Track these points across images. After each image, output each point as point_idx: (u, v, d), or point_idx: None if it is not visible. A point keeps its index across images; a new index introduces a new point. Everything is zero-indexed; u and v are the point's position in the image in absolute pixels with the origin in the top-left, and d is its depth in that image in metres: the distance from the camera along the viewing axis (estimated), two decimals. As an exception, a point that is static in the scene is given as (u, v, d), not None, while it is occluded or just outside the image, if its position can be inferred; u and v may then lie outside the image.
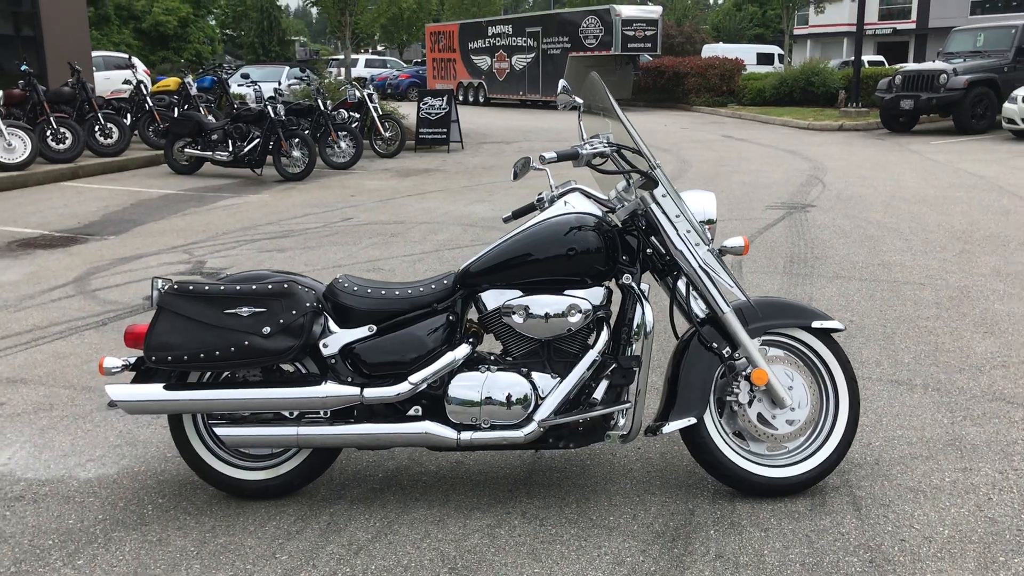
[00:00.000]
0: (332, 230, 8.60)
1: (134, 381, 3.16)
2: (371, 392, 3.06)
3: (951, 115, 16.08)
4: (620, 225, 3.22)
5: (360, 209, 9.83)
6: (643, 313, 3.07)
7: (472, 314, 3.28)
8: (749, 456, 3.20)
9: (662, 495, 3.25)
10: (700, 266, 3.13)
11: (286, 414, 3.15)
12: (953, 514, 3.05)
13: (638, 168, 3.13)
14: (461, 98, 30.82)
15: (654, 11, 27.13)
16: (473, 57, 31.72)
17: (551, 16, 29.71)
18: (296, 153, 12.22)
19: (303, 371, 3.19)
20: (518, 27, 29.68)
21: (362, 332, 3.12)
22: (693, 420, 3.11)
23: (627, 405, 3.09)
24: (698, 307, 3.23)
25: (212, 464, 3.23)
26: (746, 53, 32.82)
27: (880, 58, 39.88)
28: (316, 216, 9.44)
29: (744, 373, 3.15)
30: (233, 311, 3.01)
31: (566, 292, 3.12)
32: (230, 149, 12.41)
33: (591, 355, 3.11)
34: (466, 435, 3.08)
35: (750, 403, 3.19)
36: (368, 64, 40.65)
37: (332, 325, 3.12)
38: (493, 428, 3.09)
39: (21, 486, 3.41)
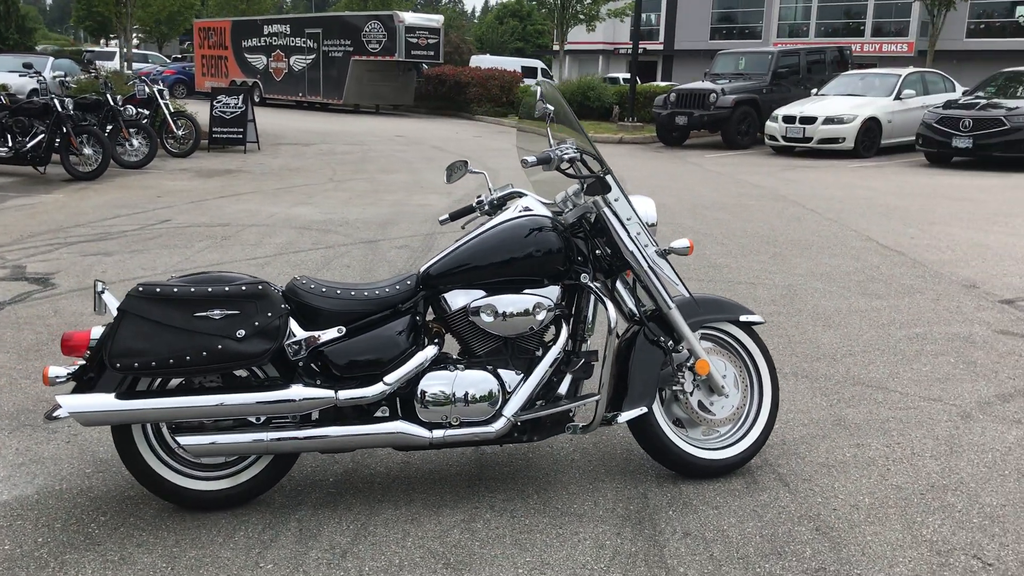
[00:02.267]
0: (153, 233, 8.15)
1: (76, 391, 2.95)
2: (346, 394, 3.04)
3: (719, 131, 17.52)
4: (567, 228, 3.38)
5: (174, 211, 9.35)
6: (607, 311, 3.25)
7: (429, 314, 3.33)
8: (690, 441, 3.46)
9: (611, 481, 3.44)
10: (649, 266, 3.36)
11: (252, 420, 3.05)
12: (865, 484, 3.46)
13: (594, 173, 3.31)
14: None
15: (436, 20, 27.50)
16: (247, 55, 30.67)
17: (333, 18, 29.33)
18: (87, 151, 11.40)
19: (260, 375, 3.10)
20: (297, 27, 29.05)
21: (332, 334, 3.09)
22: (644, 409, 3.32)
23: (597, 397, 3.25)
24: (632, 304, 3.45)
25: (165, 476, 3.07)
26: (511, 65, 33.86)
27: (632, 76, 42.26)
28: (128, 218, 8.89)
29: (688, 364, 3.41)
30: (204, 314, 2.88)
31: (525, 292, 3.25)
32: (9, 144, 11.35)
33: (554, 351, 3.25)
34: (438, 433, 3.13)
35: (691, 392, 3.45)
36: (127, 58, 38.09)
37: (295, 327, 3.06)
38: (462, 425, 3.16)
39: (-73, 513, 3.08)
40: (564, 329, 3.29)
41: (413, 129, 21.58)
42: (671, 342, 3.41)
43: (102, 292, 3.03)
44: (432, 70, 28.24)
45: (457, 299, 3.22)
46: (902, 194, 11.44)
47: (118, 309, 2.87)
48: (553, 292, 3.27)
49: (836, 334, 5.39)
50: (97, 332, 2.99)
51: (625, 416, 3.30)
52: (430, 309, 3.30)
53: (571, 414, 3.28)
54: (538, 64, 43.59)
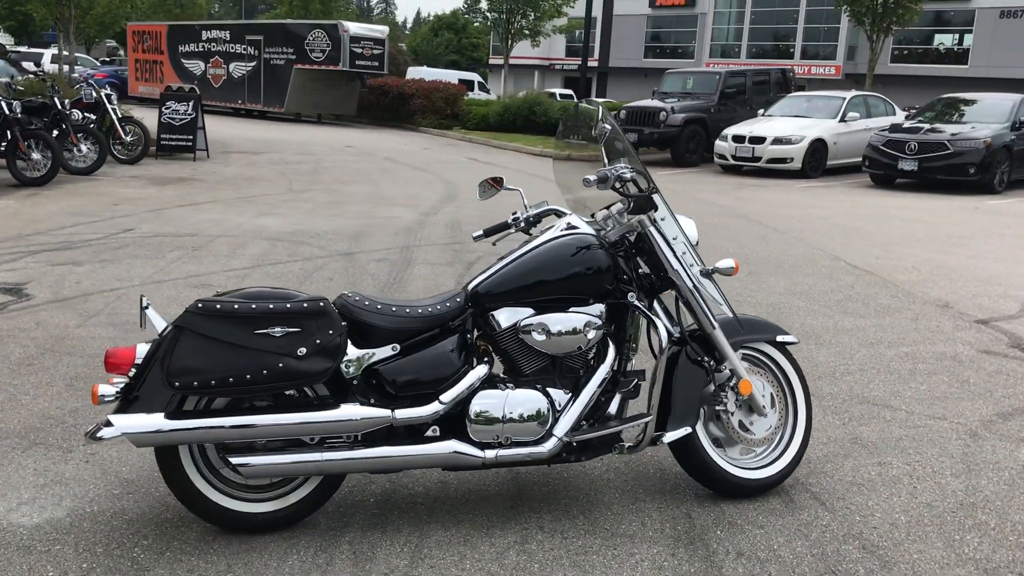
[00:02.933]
0: (119, 242, 7.90)
1: (119, 410, 2.83)
2: (403, 413, 2.98)
3: (669, 148, 17.77)
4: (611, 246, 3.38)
5: (135, 219, 9.09)
6: (657, 330, 3.25)
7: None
8: (730, 460, 3.48)
9: (652, 501, 3.44)
10: (694, 285, 3.37)
11: (306, 440, 2.97)
12: (897, 503, 3.52)
13: (643, 192, 3.32)
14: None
15: (381, 30, 27.34)
16: (184, 61, 30.05)
17: (276, 26, 28.92)
18: (36, 155, 11.01)
19: (310, 394, 3.02)
20: (237, 34, 28.57)
21: (386, 352, 3.03)
22: (689, 429, 3.33)
23: (649, 418, 3.25)
24: (669, 324, 3.45)
25: (212, 498, 2.96)
26: (448, 78, 33.82)
27: (569, 91, 42.70)
28: (88, 226, 8.61)
29: (731, 384, 3.43)
30: (264, 331, 2.80)
31: (571, 310, 3.23)
32: (-49, 147, 10.90)
33: (602, 371, 3.24)
34: (490, 453, 3.09)
35: (732, 412, 3.48)
36: (55, 60, 36.96)
37: (348, 345, 3.00)
38: (512, 445, 3.13)
39: (-46, 538, 2.91)
40: (611, 348, 3.28)
41: (361, 140, 21.39)
42: (712, 362, 3.43)
43: (147, 308, 2.92)
44: (376, 81, 28.04)
45: (506, 317, 3.19)
46: (856, 215, 11.76)
47: (174, 326, 2.77)
48: (599, 311, 3.27)
49: (830, 352, 5.49)
50: (142, 349, 2.88)
51: (670, 436, 3.30)
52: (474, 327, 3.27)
53: (620, 434, 3.27)
54: (475, 77, 43.67)
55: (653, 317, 3.28)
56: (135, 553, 2.88)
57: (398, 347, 3.04)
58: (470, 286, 3.23)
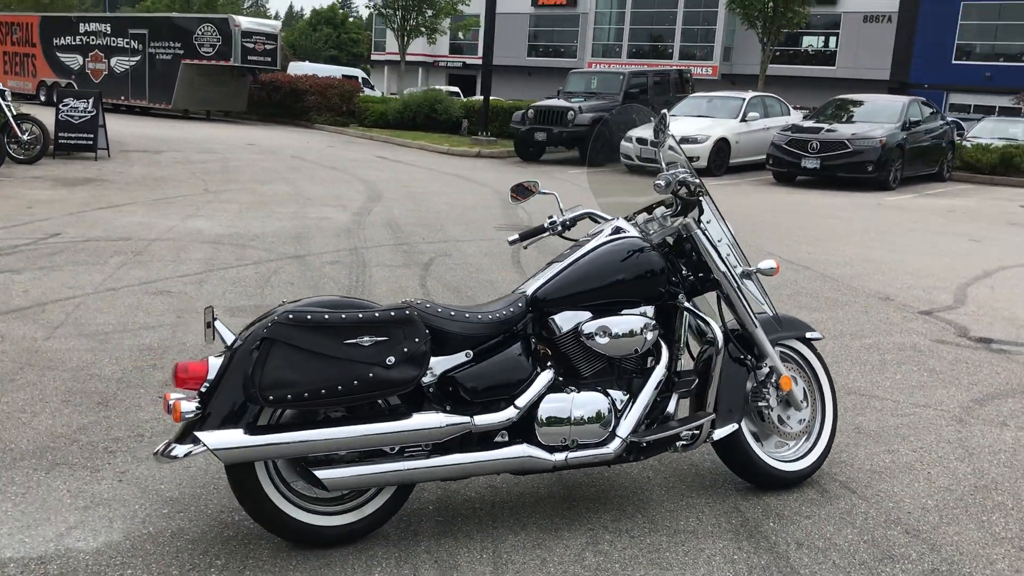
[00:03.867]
0: (51, 247, 7.50)
1: (190, 427, 2.73)
2: (481, 419, 2.97)
3: (577, 147, 18.02)
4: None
5: (57, 223, 8.64)
6: (712, 329, 3.34)
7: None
8: (769, 454, 3.60)
9: (699, 497, 3.53)
10: (738, 285, 3.48)
11: (386, 450, 2.92)
12: (920, 488, 3.71)
13: (695, 195, 3.40)
14: (44, 98, 27.71)
15: (273, 25, 26.70)
16: (60, 55, 28.59)
17: (161, 19, 27.84)
18: (-68, 155, 10.31)
19: (381, 403, 2.97)
20: (119, 27, 27.36)
21: (460, 358, 3.01)
22: (736, 425, 3.44)
23: (711, 416, 3.32)
24: (719, 325, 3.52)
25: (290, 513, 2.88)
26: (331, 73, 33.30)
27: (456, 89, 42.67)
28: (6, 231, 8.15)
29: (772, 381, 3.55)
30: (354, 341, 2.74)
31: (624, 312, 3.28)
32: None
33: (659, 371, 3.30)
34: (559, 456, 3.11)
35: (773, 407, 3.60)
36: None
37: None
38: (578, 448, 3.15)
39: (13, 568, 2.74)
40: (664, 350, 3.35)
41: (260, 137, 20.84)
42: (753, 359, 3.54)
43: (214, 321, 2.82)
44: (267, 76, 27.36)
45: (565, 321, 3.21)
46: (774, 211, 12.22)
47: (264, 338, 2.67)
48: (650, 312, 3.33)
49: (802, 346, 5.71)
50: (215, 363, 2.78)
51: (719, 433, 3.39)
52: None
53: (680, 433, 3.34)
54: (359, 73, 43.14)
55: (706, 317, 3.37)
56: (211, 575, 2.77)
57: (471, 353, 3.03)
58: (528, 291, 3.23)
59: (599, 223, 3.69)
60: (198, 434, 2.64)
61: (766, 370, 3.55)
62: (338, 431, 2.78)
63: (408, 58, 58.91)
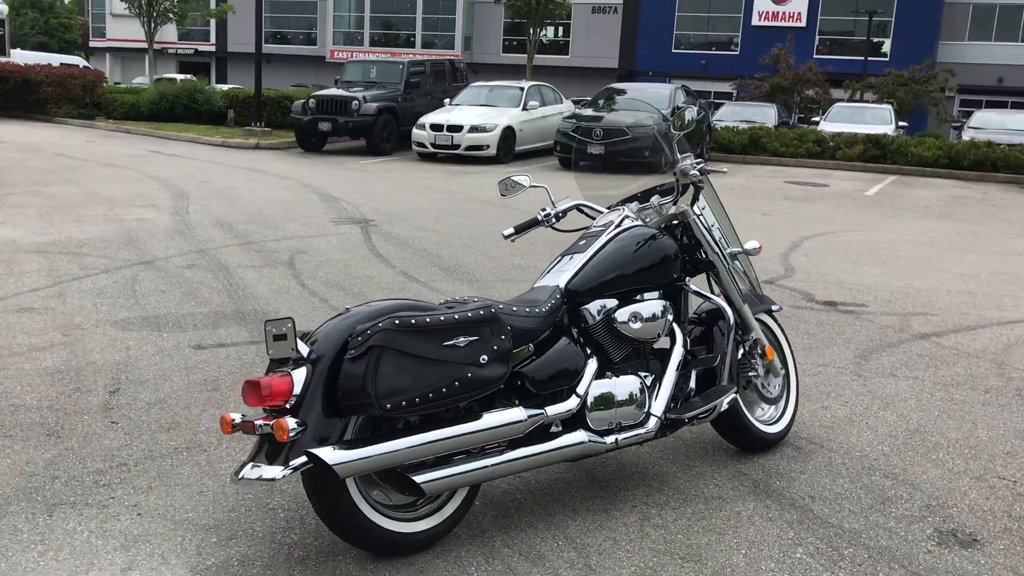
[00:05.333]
0: None
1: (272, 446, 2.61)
2: (552, 410, 3.04)
3: (363, 137, 17.83)
4: None
5: None
6: (724, 309, 3.58)
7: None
8: (756, 420, 3.91)
9: (703, 466, 3.77)
10: (729, 267, 3.75)
11: (471, 450, 2.90)
12: (869, 438, 4.16)
13: (695, 183, 3.63)
14: None
15: (1, 10, 24.08)
16: None
17: None
18: None
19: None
20: None
21: (524, 353, 3.05)
22: (735, 394, 3.72)
23: (734, 389, 3.56)
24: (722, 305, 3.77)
25: (380, 523, 2.80)
26: (49, 62, 30.57)
27: (190, 76, 40.50)
28: None
29: (758, 352, 3.86)
30: (451, 342, 2.72)
31: (642, 297, 3.47)
32: None
33: (678, 351, 3.51)
34: (610, 439, 3.23)
35: (759, 376, 3.91)
36: None
37: None
38: (622, 429, 3.30)
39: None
40: (678, 330, 3.56)
41: (4, 133, 18.79)
42: (741, 332, 3.83)
43: (296, 334, 2.69)
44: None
45: (597, 309, 3.34)
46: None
47: (371, 347, 2.58)
48: (662, 296, 3.53)
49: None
50: (300, 376, 2.65)
51: (727, 402, 3.65)
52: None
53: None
54: (79, 61, 39.81)
55: (714, 298, 3.61)
56: (318, 596, 2.66)
57: (531, 347, 3.08)
58: (560, 283, 3.31)
59: (588, 213, 3.83)
60: (316, 451, 2.52)
61: (751, 342, 3.86)
62: (435, 434, 2.75)
63: (128, 44, 55.14)
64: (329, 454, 2.54)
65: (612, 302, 3.36)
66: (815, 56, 38.98)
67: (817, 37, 42.54)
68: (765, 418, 3.97)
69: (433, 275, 7.10)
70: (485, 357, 2.79)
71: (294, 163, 15.86)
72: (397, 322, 2.63)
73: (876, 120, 21.79)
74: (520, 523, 3.18)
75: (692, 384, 3.55)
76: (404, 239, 8.64)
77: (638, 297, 3.44)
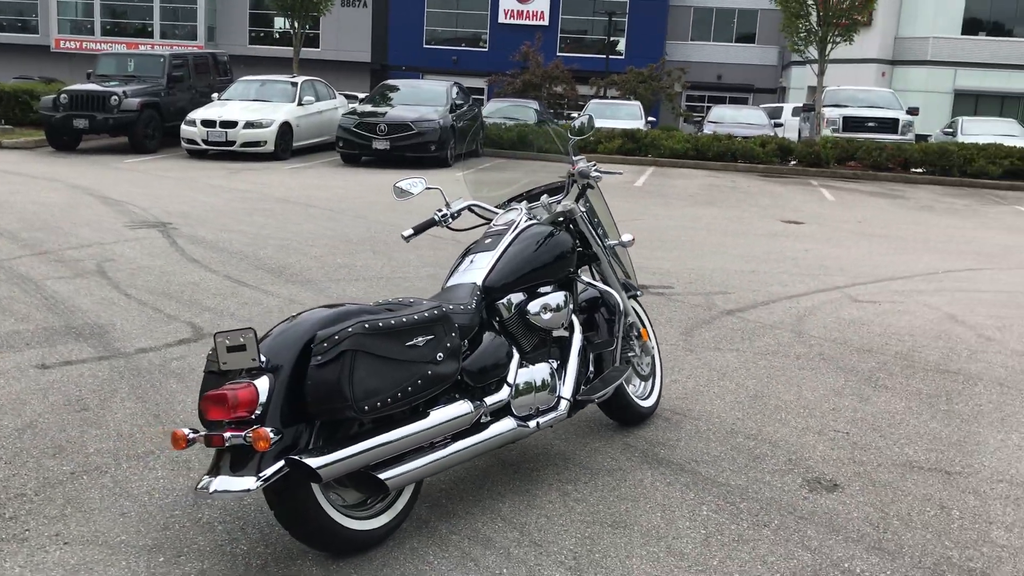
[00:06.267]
0: None
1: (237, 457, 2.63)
2: (490, 399, 3.23)
3: (125, 134, 16.78)
4: None
5: None
6: (617, 296, 3.90)
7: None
8: (636, 395, 4.27)
9: (595, 441, 4.08)
10: (609, 259, 4.08)
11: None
12: (722, 404, 4.66)
13: (594, 183, 3.95)
14: None
15: None
16: None
17: None
18: None
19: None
20: None
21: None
22: (627, 372, 4.06)
23: (629, 369, 3.87)
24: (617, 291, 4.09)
25: (343, 523, 2.87)
26: None
27: None
28: None
29: (634, 334, 4.22)
30: (412, 342, 2.84)
31: (546, 290, 3.73)
32: None
33: (578, 337, 3.79)
34: (533, 423, 3.46)
35: (638, 355, 4.27)
36: None
37: None
38: (540, 413, 3.53)
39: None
40: (575, 318, 3.84)
41: None
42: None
43: (258, 343, 2.70)
44: None
45: (511, 303, 3.55)
46: (379, 191, 12.78)
47: (343, 351, 2.64)
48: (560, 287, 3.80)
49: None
50: (264, 385, 2.66)
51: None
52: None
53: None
54: None
55: (607, 288, 3.92)
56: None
57: (465, 343, 3.24)
58: (478, 280, 3.48)
59: (479, 213, 4.03)
60: (304, 459, 2.56)
61: (628, 324, 4.21)
62: (401, 432, 2.86)
63: None
64: (312, 459, 2.58)
65: (521, 296, 3.58)
66: (559, 54, 40.91)
67: (559, 35, 44.57)
68: (639, 393, 4.35)
69: (262, 279, 6.97)
70: (441, 355, 2.92)
71: (50, 163, 14.69)
72: (367, 325, 2.71)
73: (629, 116, 23.32)
74: (457, 511, 3.33)
75: (591, 367, 3.84)
76: (212, 242, 8.36)
77: (541, 290, 3.68)
